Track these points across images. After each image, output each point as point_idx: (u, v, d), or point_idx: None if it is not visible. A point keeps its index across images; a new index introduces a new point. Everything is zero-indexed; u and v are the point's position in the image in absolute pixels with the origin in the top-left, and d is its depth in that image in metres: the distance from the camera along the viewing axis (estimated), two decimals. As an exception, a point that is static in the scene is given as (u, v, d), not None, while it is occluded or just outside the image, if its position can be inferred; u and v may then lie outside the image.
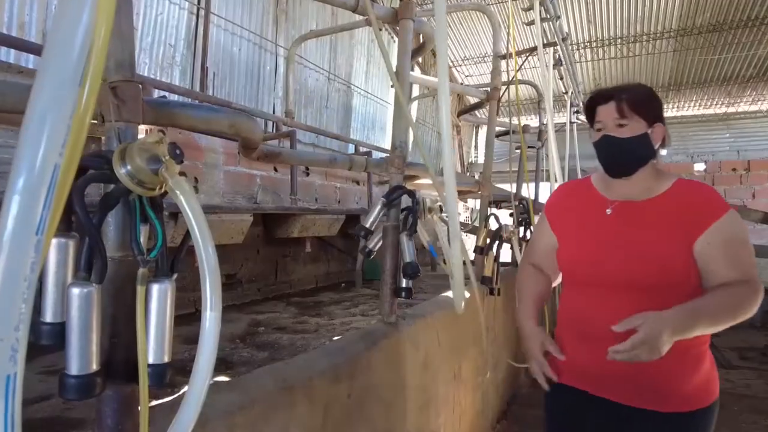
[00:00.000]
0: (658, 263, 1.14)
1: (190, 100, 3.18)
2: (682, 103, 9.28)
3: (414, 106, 5.40)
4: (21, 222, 0.52)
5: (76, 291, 0.64)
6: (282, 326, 2.79)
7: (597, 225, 1.27)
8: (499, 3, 6.20)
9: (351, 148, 5.18)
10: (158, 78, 3.15)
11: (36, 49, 2.43)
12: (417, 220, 1.76)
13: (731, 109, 9.25)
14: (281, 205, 3.93)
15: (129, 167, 0.66)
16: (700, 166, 8.78)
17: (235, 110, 1.26)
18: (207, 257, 0.68)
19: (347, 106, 5.43)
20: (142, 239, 0.72)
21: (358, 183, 5.28)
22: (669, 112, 9.82)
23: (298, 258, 4.11)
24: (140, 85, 0.81)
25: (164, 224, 0.72)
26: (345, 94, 5.35)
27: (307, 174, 4.36)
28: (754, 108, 9.11)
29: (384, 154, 5.55)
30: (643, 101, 1.22)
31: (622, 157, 1.23)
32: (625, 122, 1.20)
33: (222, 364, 2.01)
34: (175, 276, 0.73)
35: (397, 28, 1.74)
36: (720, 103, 9.16)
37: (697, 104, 9.31)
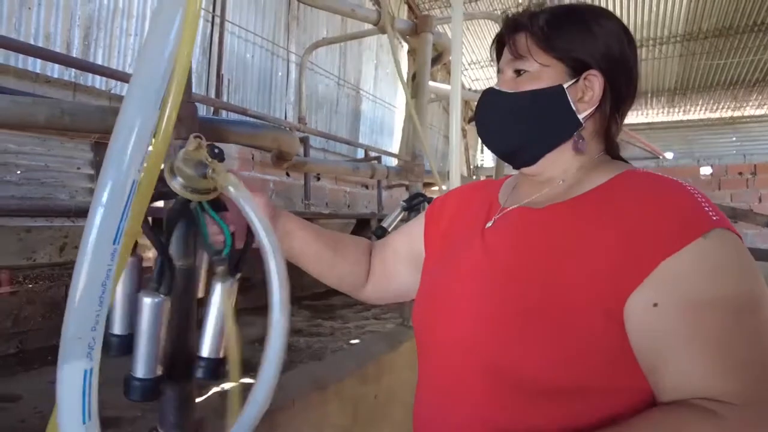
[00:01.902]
0: (543, 332, 0.56)
1: (209, 108, 3.26)
2: (689, 107, 9.31)
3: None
4: (101, 232, 0.57)
5: (147, 300, 0.68)
6: (298, 329, 2.84)
7: (465, 248, 0.72)
8: (508, 9, 6.27)
9: (360, 153, 5.24)
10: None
11: (61, 59, 2.51)
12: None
13: (737, 113, 9.27)
14: (294, 209, 3.99)
15: (180, 179, 0.69)
16: (706, 170, 8.80)
17: (276, 126, 1.32)
18: (271, 247, 0.66)
19: (356, 111, 5.50)
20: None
21: (366, 187, 5.34)
22: (675, 116, 9.87)
23: (309, 261, 4.17)
24: (195, 105, 0.87)
25: (228, 223, 0.74)
26: (354, 99, 5.42)
27: (318, 179, 4.42)
28: (760, 112, 9.13)
29: (392, 159, 5.61)
30: (563, 26, 0.67)
31: (509, 125, 0.69)
32: (521, 66, 0.67)
33: (245, 366, 2.07)
34: (238, 276, 0.77)
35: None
36: (726, 107, 9.18)
37: (704, 108, 9.34)
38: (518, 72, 0.68)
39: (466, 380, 0.61)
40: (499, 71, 0.72)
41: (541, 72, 0.66)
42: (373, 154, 5.12)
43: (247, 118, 3.11)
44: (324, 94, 4.84)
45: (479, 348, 0.61)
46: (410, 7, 6.25)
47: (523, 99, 0.67)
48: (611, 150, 0.71)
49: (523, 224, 0.67)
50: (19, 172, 2.39)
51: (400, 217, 1.82)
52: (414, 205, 1.81)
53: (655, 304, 0.53)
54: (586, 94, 0.66)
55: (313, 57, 4.23)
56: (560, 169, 0.69)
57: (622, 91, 0.69)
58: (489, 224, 0.71)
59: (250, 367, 2.12)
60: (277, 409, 1.05)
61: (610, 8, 6.46)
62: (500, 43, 0.73)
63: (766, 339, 0.50)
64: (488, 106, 0.72)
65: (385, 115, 5.97)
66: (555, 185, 0.69)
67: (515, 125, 0.69)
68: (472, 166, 9.68)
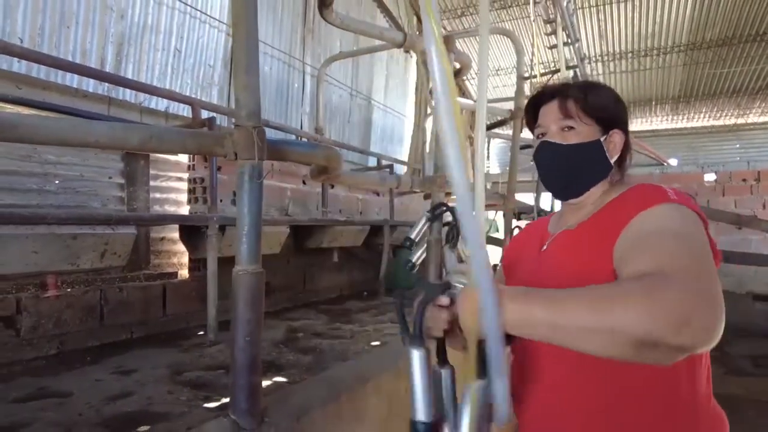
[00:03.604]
0: None
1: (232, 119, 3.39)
2: (692, 114, 9.41)
3: (431, 118, 5.57)
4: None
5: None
6: (318, 332, 2.95)
7: (530, 267, 0.99)
8: (511, 20, 6.40)
9: (371, 161, 5.36)
10: (198, 97, 3.35)
11: (96, 74, 2.64)
12: (459, 235, 1.93)
13: (741, 120, 9.38)
14: (310, 216, 4.11)
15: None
16: (710, 177, 8.89)
17: (326, 146, 1.44)
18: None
19: (368, 120, 5.62)
20: None
21: (377, 194, 5.46)
22: (679, 123, 9.98)
23: (323, 267, 4.29)
24: (264, 130, 0.99)
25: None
26: (366, 109, 5.55)
27: (332, 186, 4.54)
28: (763, 119, 9.24)
29: (402, 166, 5.71)
30: (596, 100, 0.94)
31: (566, 169, 0.94)
32: (571, 123, 0.92)
33: (272, 367, 2.18)
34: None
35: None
36: (730, 114, 9.29)
37: (707, 116, 9.44)
38: (565, 128, 0.93)
39: (537, 344, 0.81)
40: (538, 126, 0.97)
41: (584, 129, 0.92)
42: (384, 161, 5.25)
43: (303, 141, 3.25)
44: (337, 104, 4.97)
45: None
46: (419, 20, 6.38)
47: (573, 149, 0.93)
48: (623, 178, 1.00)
49: (564, 243, 0.94)
50: (57, 181, 2.52)
51: (425, 228, 1.93)
52: (437, 214, 1.93)
53: (623, 239, 0.80)
54: (611, 146, 0.94)
55: (328, 69, 4.37)
56: (594, 197, 0.95)
57: (627, 138, 0.97)
58: (544, 248, 0.98)
59: (278, 367, 2.24)
60: (329, 401, 1.16)
61: (618, 21, 6.60)
62: (532, 111, 0.99)
63: (685, 249, 0.72)
64: (546, 153, 0.96)
65: (395, 124, 6.10)
66: (587, 209, 0.95)
67: (567, 167, 0.94)
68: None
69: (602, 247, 0.82)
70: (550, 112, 0.95)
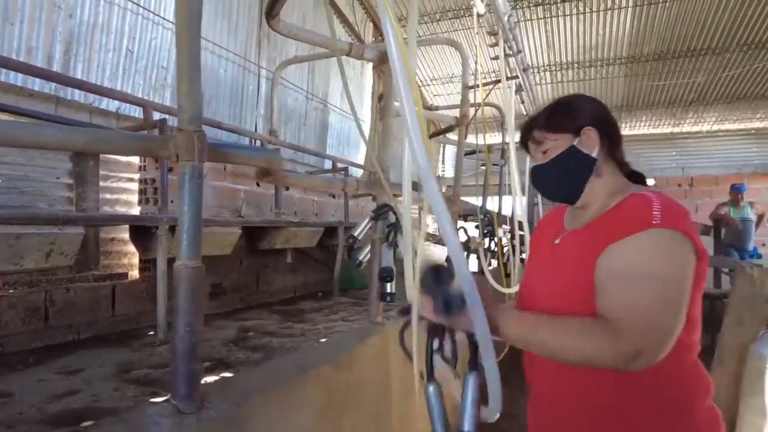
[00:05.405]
0: (580, 301, 0.95)
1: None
2: (634, 122, 9.99)
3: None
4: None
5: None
6: (270, 331, 3.00)
7: (544, 258, 1.15)
8: (463, 30, 6.63)
9: (327, 164, 5.43)
10: (151, 98, 3.34)
11: (43, 74, 2.61)
12: (397, 234, 2.04)
13: (676, 129, 10.02)
14: (264, 218, 4.14)
15: None
16: (650, 182, 9.43)
17: (268, 149, 1.51)
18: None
19: (324, 124, 5.69)
20: None
21: (333, 196, 5.54)
22: (623, 131, 10.52)
23: (277, 268, 4.33)
24: (205, 132, 1.07)
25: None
26: (322, 112, 5.62)
27: (287, 188, 4.59)
28: (695, 129, 9.91)
29: (359, 170, 5.81)
30: (556, 114, 1.08)
31: (553, 183, 1.09)
32: (545, 147, 1.07)
33: (221, 365, 2.23)
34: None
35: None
36: (666, 123, 9.92)
37: (647, 124, 10.04)
38: (544, 152, 1.08)
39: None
40: (531, 156, 1.14)
41: (557, 144, 1.06)
42: (339, 165, 5.34)
43: (245, 144, 3.27)
44: (293, 107, 5.02)
45: (558, 309, 0.97)
46: (375, 25, 6.51)
47: (552, 163, 1.07)
48: (624, 168, 1.11)
49: (572, 241, 1.07)
50: (0, 181, 2.48)
51: (369, 226, 2.04)
52: (381, 214, 2.04)
53: (598, 268, 0.93)
54: (588, 142, 1.05)
55: (283, 72, 4.42)
56: (594, 196, 1.06)
57: (610, 131, 1.08)
58: (557, 241, 1.11)
59: (228, 364, 2.31)
60: (271, 388, 1.25)
61: (564, 33, 6.95)
62: (524, 142, 1.15)
63: (654, 296, 0.86)
64: (538, 176, 1.12)
65: (351, 128, 6.20)
66: (593, 209, 1.07)
67: (557, 181, 1.08)
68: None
69: (591, 257, 0.95)
70: (531, 146, 1.12)
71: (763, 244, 8.54)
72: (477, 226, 3.46)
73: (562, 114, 1.08)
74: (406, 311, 0.95)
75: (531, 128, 1.10)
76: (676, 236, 0.90)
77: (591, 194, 1.06)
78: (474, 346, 0.82)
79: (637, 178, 1.13)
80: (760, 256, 6.83)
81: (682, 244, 0.90)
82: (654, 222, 0.90)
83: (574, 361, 0.90)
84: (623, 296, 0.87)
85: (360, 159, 6.36)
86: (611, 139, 1.08)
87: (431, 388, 0.87)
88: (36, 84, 2.63)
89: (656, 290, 0.86)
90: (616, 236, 0.92)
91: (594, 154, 1.05)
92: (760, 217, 7.44)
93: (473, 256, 3.33)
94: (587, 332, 0.85)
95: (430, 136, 4.17)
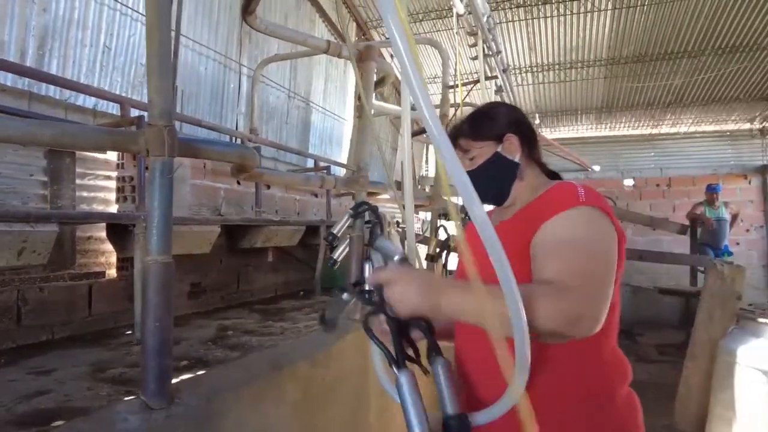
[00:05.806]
0: (520, 273, 0.92)
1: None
2: (614, 123, 10.15)
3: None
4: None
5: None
6: (249, 330, 2.99)
7: (478, 253, 1.14)
8: (445, 30, 6.67)
9: (310, 162, 5.42)
10: (129, 95, 3.30)
11: (15, 69, 2.56)
12: (379, 234, 2.05)
13: (655, 131, 10.22)
14: (244, 216, 4.12)
15: None
16: (629, 182, 9.62)
17: (242, 145, 1.51)
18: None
19: (306, 122, 5.68)
20: None
21: (316, 195, 5.52)
22: (602, 131, 10.72)
23: (259, 267, 4.30)
24: (175, 128, 1.06)
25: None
26: (304, 111, 5.61)
27: (268, 187, 4.56)
28: (673, 130, 10.12)
29: (341, 168, 5.81)
30: (476, 123, 1.15)
31: (482, 188, 0.97)
32: (472, 154, 1.14)
33: (199, 363, 2.22)
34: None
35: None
36: (645, 125, 10.10)
37: (626, 125, 10.22)
38: (471, 160, 1.14)
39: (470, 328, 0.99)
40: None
41: (482, 151, 1.13)
42: (322, 163, 5.33)
43: (218, 139, 3.24)
44: (275, 106, 5.00)
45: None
46: (359, 25, 6.52)
47: (479, 170, 1.13)
48: (544, 168, 1.19)
49: (504, 230, 1.04)
50: (-30, 178, 2.43)
51: (348, 224, 2.04)
52: (359, 212, 2.04)
53: (535, 245, 0.97)
54: (511, 148, 1.13)
55: (264, 70, 4.40)
56: (518, 195, 1.14)
57: (528, 135, 1.16)
58: None
59: (205, 362, 2.30)
60: (244, 385, 1.25)
61: (545, 35, 7.03)
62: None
63: (586, 261, 0.91)
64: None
65: (334, 127, 6.19)
66: (518, 205, 1.13)
67: (486, 186, 1.09)
68: (417, 176, 10.05)
69: (527, 239, 1.00)
70: (458, 154, 1.15)
71: (737, 243, 8.76)
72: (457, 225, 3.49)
73: (484, 122, 1.16)
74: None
75: (456, 137, 1.16)
76: (602, 214, 0.98)
77: (516, 194, 1.14)
78: (426, 331, 0.85)
79: (555, 176, 1.20)
80: (731, 254, 7.00)
81: (607, 221, 0.99)
82: (581, 200, 0.98)
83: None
84: (565, 263, 0.90)
85: (343, 158, 6.36)
86: (530, 142, 1.17)
87: (402, 377, 0.85)
88: (8, 79, 2.58)
89: (595, 258, 0.92)
90: (547, 216, 0.98)
91: (517, 159, 1.13)
92: (735, 217, 7.62)
93: (454, 254, 3.35)
94: (530, 292, 0.83)
95: (412, 135, 4.19)
